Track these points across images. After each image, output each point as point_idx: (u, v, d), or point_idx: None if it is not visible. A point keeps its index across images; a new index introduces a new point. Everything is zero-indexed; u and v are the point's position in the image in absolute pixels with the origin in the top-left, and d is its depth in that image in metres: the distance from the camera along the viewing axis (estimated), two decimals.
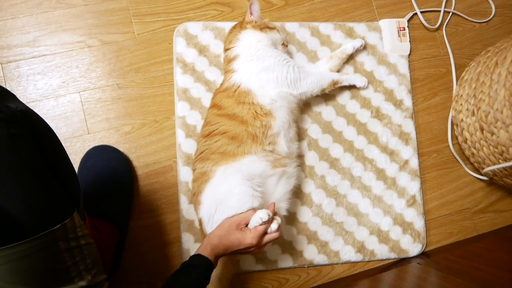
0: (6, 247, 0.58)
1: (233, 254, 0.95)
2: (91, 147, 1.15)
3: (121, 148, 1.17)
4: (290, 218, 1.19)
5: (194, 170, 1.09)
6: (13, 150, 0.59)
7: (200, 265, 0.86)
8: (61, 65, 1.20)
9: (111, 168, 1.12)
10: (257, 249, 0.93)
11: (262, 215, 0.90)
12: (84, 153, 1.14)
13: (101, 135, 1.18)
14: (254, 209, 0.95)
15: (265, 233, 0.92)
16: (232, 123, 1.04)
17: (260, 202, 0.97)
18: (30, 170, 0.61)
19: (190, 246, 1.14)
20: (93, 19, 1.23)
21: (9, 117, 0.59)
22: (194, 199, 1.06)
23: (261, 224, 0.90)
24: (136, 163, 1.18)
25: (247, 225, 0.92)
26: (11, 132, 0.59)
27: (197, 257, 0.87)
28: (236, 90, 1.07)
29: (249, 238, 0.89)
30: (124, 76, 1.21)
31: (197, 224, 1.14)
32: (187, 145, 1.18)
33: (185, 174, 1.17)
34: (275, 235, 0.93)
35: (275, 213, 0.95)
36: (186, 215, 1.16)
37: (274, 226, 0.93)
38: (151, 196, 1.17)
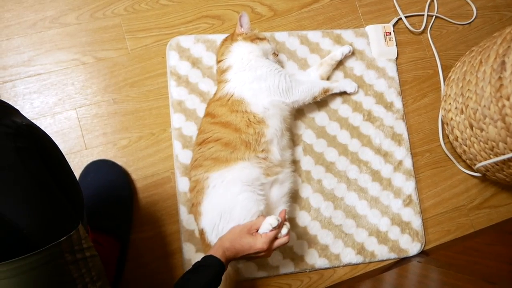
0: (13, 260, 0.58)
1: (242, 259, 0.96)
2: (89, 162, 1.16)
3: (119, 162, 1.18)
4: (290, 223, 1.18)
5: (190, 179, 1.10)
6: (20, 163, 0.60)
7: (213, 265, 0.87)
8: (57, 83, 1.21)
9: (110, 182, 1.13)
10: (267, 253, 0.94)
11: (271, 221, 0.92)
12: (83, 168, 1.15)
13: (99, 150, 1.19)
14: (264, 215, 0.96)
15: (275, 238, 0.94)
16: (225, 130, 1.06)
17: (264, 205, 0.99)
18: (37, 182, 0.62)
19: (192, 256, 1.14)
20: (86, 37, 1.25)
21: (15, 131, 0.60)
22: (194, 210, 1.06)
23: (271, 230, 0.92)
24: (134, 176, 1.19)
25: (257, 230, 0.94)
26: (18, 145, 0.60)
27: (209, 257, 0.88)
28: (229, 99, 1.09)
29: (259, 243, 0.91)
30: (119, 91, 1.23)
31: (197, 233, 1.14)
32: (184, 156, 1.19)
33: (183, 185, 1.18)
34: (285, 239, 0.95)
35: (284, 219, 0.97)
36: (186, 225, 1.16)
37: (284, 231, 0.95)
38: (151, 208, 1.18)
